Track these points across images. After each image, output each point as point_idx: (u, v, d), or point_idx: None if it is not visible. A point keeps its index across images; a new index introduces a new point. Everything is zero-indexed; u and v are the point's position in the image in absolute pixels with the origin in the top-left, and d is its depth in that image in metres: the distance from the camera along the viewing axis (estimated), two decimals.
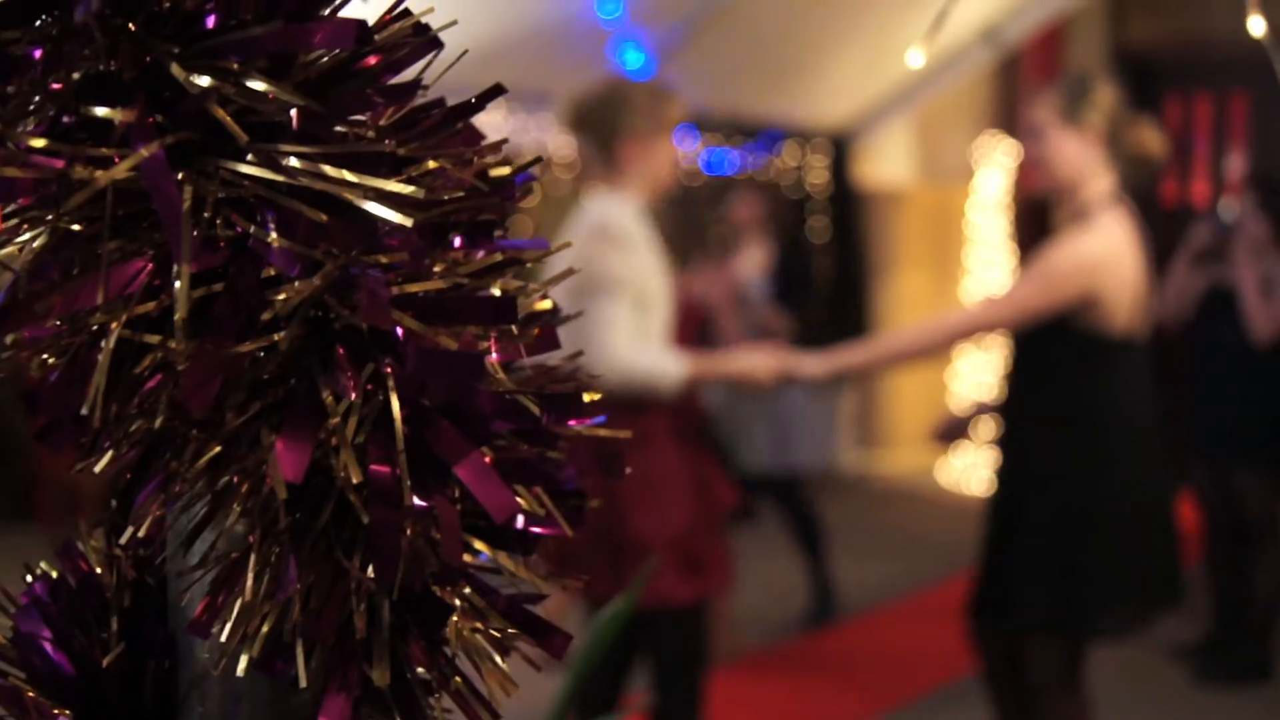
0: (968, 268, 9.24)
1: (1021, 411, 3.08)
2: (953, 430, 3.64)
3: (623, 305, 2.96)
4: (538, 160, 0.66)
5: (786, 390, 5.30)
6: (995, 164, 9.26)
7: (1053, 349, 2.98)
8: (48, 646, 0.70)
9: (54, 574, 0.72)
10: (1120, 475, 2.94)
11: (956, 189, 9.58)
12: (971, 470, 9.13)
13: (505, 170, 0.64)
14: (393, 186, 0.56)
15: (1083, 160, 2.93)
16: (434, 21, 0.67)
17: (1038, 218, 9.67)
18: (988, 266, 9.20)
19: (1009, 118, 9.70)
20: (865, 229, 9.31)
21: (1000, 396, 3.21)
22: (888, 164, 9.42)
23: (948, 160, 9.63)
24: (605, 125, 3.03)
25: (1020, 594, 3.00)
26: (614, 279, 2.92)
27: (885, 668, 5.11)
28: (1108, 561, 2.93)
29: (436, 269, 0.62)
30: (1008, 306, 3.02)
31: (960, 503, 8.71)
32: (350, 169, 0.57)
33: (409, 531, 0.59)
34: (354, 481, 0.56)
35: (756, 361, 3.15)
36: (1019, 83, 9.73)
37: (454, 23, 0.62)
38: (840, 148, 8.85)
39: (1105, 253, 2.87)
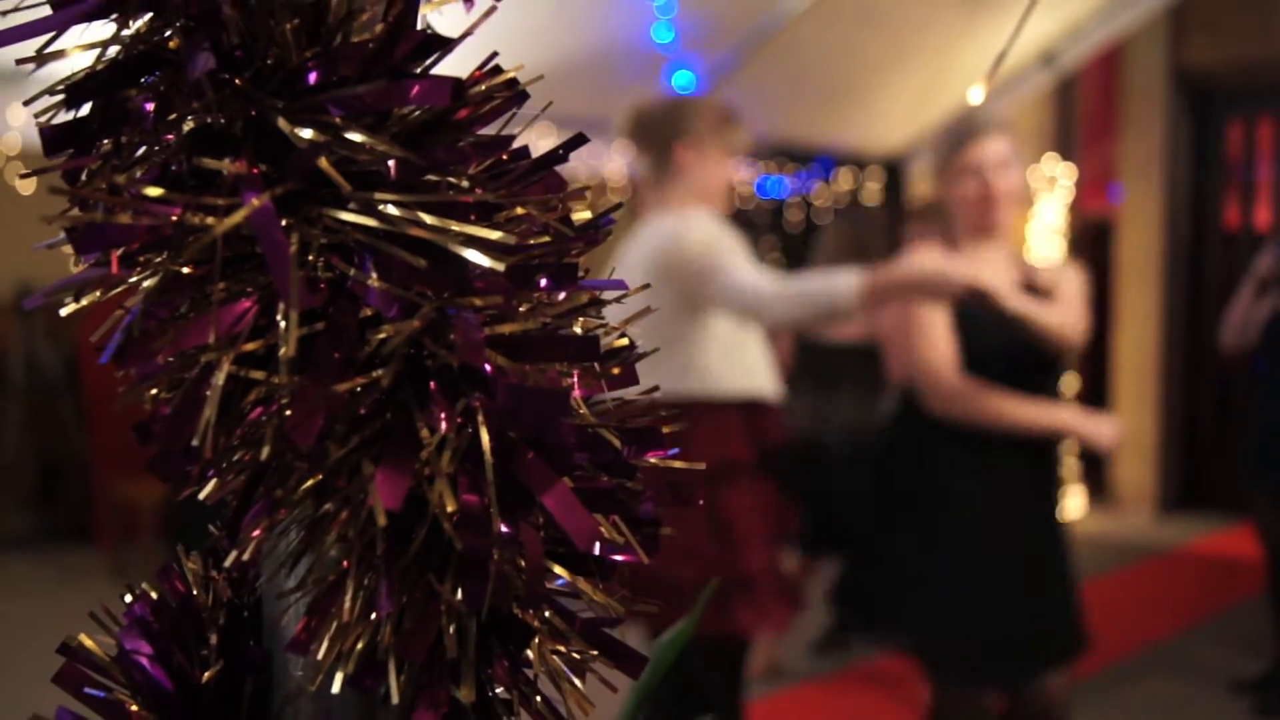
0: None
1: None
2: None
3: (740, 256, 2.86)
4: (619, 206, 0.69)
5: None
6: (1053, 188, 9.22)
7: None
8: (148, 663, 0.74)
9: (153, 594, 0.76)
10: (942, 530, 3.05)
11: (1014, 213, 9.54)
12: None
13: (588, 215, 0.68)
14: (487, 233, 0.60)
15: None
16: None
17: (1095, 242, 9.62)
18: None
19: (1067, 142, 9.66)
20: None
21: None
22: None
23: None
24: (666, 129, 3.00)
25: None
26: (709, 246, 2.84)
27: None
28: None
29: (523, 309, 0.65)
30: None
31: None
32: (446, 216, 0.61)
33: (496, 557, 0.63)
34: (449, 510, 0.59)
35: (945, 267, 2.69)
36: (1077, 107, 9.68)
37: (540, 77, 0.65)
38: (895, 173, 8.86)
39: None
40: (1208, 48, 8.85)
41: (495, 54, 0.64)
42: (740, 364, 2.92)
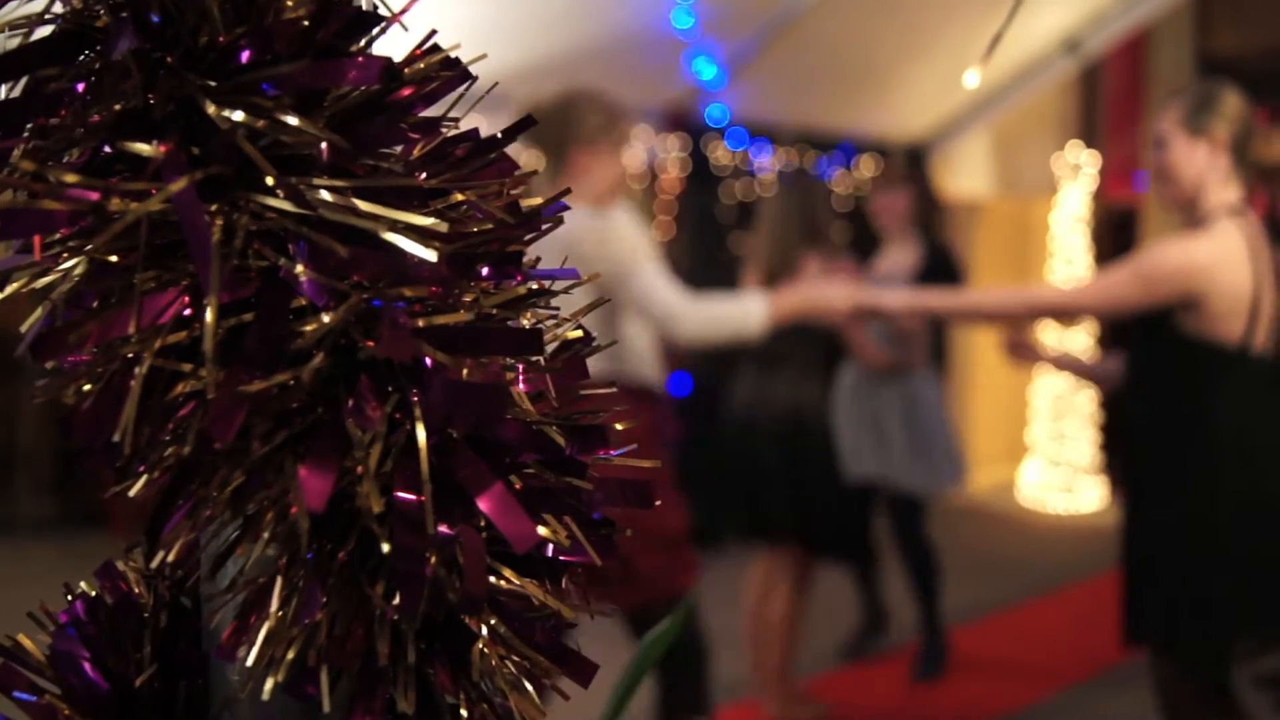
0: (1049, 281, 9.10)
1: (1138, 422, 2.97)
2: (1027, 351, 3.45)
3: (656, 264, 2.98)
4: (567, 191, 0.66)
5: (926, 399, 5.00)
6: (1077, 176, 9.13)
7: (1164, 356, 2.90)
8: (85, 665, 0.71)
9: (93, 593, 0.74)
10: (1232, 490, 2.80)
11: (1037, 201, 9.46)
12: (1049, 489, 8.99)
13: (535, 201, 0.65)
14: (417, 220, 0.57)
15: (1207, 170, 2.86)
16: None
17: (1119, 231, 9.53)
18: (1069, 280, 9.06)
19: (1091, 129, 9.56)
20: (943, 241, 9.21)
21: (1126, 408, 3.09)
22: (966, 176, 9.33)
23: (1028, 172, 9.52)
24: (560, 132, 3.06)
25: (1132, 615, 2.91)
26: (635, 252, 2.94)
27: (961, 689, 5.05)
28: (1217, 582, 2.78)
29: (465, 300, 0.62)
30: (1098, 292, 2.96)
31: (1039, 521, 8.58)
32: (378, 202, 0.58)
33: (433, 560, 0.60)
34: (375, 511, 0.57)
35: (833, 293, 3.12)
36: (1101, 94, 9.59)
37: (483, 56, 0.62)
38: (917, 160, 8.78)
39: (1211, 257, 2.79)
40: (1233, 34, 8.73)
41: (434, 32, 0.61)
42: (635, 354, 3.06)
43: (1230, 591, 2.79)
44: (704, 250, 7.63)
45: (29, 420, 7.72)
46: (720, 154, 7.78)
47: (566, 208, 0.66)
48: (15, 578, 6.19)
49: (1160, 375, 2.93)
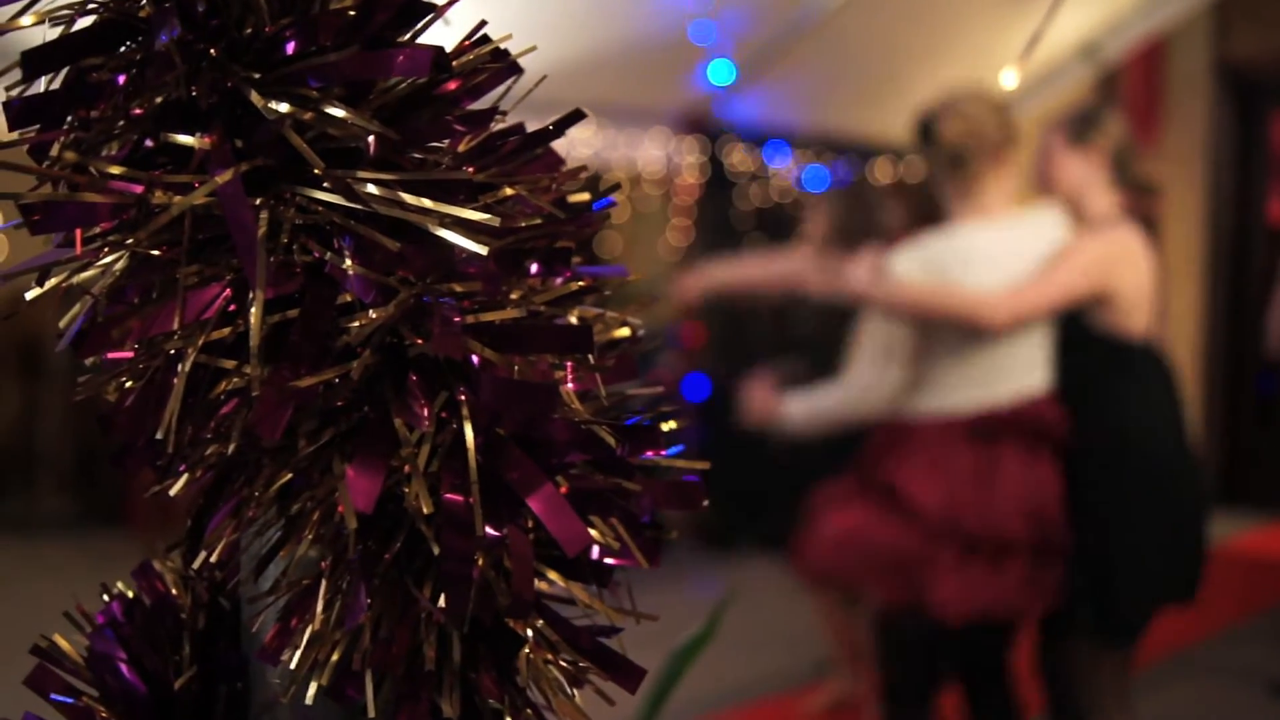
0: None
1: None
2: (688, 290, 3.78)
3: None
4: (616, 187, 0.65)
5: None
6: None
7: (1080, 353, 3.01)
8: (122, 667, 0.70)
9: (130, 594, 0.73)
10: (1144, 474, 2.94)
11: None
12: None
13: (584, 196, 0.63)
14: (468, 214, 0.55)
15: (1087, 179, 3.06)
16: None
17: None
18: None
19: None
20: None
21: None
22: None
23: None
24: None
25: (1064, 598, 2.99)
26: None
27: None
28: (1133, 566, 2.92)
29: (513, 296, 0.61)
30: (1056, 293, 2.98)
31: None
32: (426, 196, 0.57)
33: (480, 562, 0.58)
34: (425, 512, 0.55)
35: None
36: (1119, 99, 9.55)
37: (533, 48, 0.61)
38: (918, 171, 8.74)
39: (1121, 252, 2.96)
40: (1252, 39, 8.67)
41: (484, 23, 0.60)
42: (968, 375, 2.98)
43: (1155, 566, 2.94)
44: (721, 255, 7.61)
45: (48, 420, 7.73)
46: (737, 158, 7.75)
47: (614, 203, 0.65)
48: (34, 576, 6.20)
49: (1078, 372, 3.04)
